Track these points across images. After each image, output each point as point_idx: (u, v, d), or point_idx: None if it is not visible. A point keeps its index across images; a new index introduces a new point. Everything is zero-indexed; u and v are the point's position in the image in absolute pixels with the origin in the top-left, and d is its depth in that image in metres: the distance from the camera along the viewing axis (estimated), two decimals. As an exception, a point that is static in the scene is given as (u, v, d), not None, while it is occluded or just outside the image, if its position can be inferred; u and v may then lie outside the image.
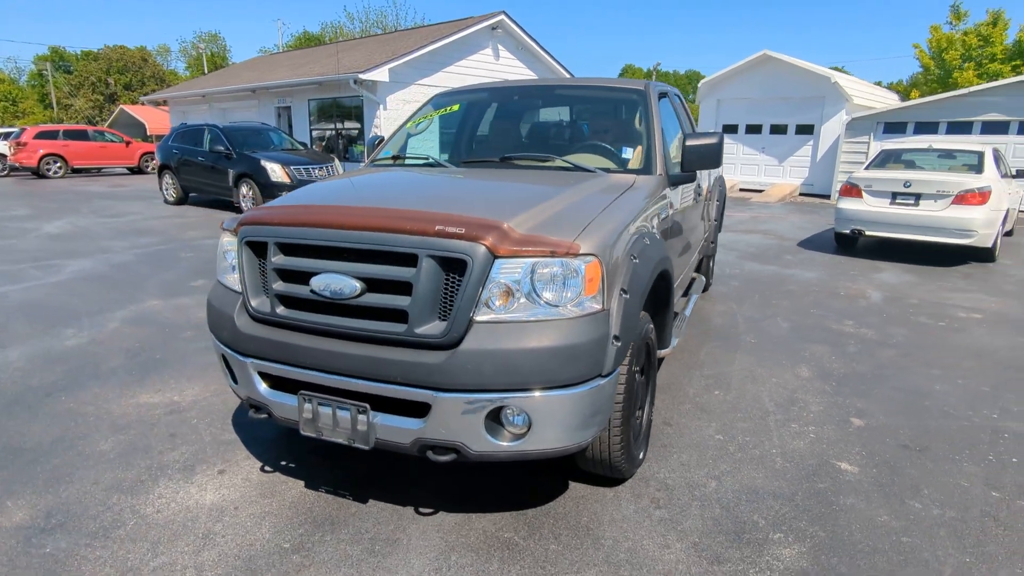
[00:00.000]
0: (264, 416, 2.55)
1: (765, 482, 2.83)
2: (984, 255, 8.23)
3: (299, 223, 2.39)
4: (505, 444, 2.19)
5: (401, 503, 2.65)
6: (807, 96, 15.14)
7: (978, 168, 8.38)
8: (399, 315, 2.20)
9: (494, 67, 16.99)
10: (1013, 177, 9.41)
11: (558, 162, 3.24)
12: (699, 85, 16.88)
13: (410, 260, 2.18)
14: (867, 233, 8.42)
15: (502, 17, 16.18)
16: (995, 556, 2.35)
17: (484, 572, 2.23)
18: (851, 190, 8.55)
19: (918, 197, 7.97)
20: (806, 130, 15.42)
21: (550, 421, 2.17)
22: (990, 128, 14.62)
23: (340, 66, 14.81)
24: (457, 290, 2.15)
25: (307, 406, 2.35)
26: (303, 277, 2.36)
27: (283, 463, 2.97)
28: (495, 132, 3.80)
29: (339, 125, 16.24)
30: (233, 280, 2.65)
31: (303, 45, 44.73)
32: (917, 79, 22.48)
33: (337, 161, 11.91)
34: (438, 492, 2.72)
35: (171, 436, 3.21)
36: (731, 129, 16.85)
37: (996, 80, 19.19)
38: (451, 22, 16.95)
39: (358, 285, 2.22)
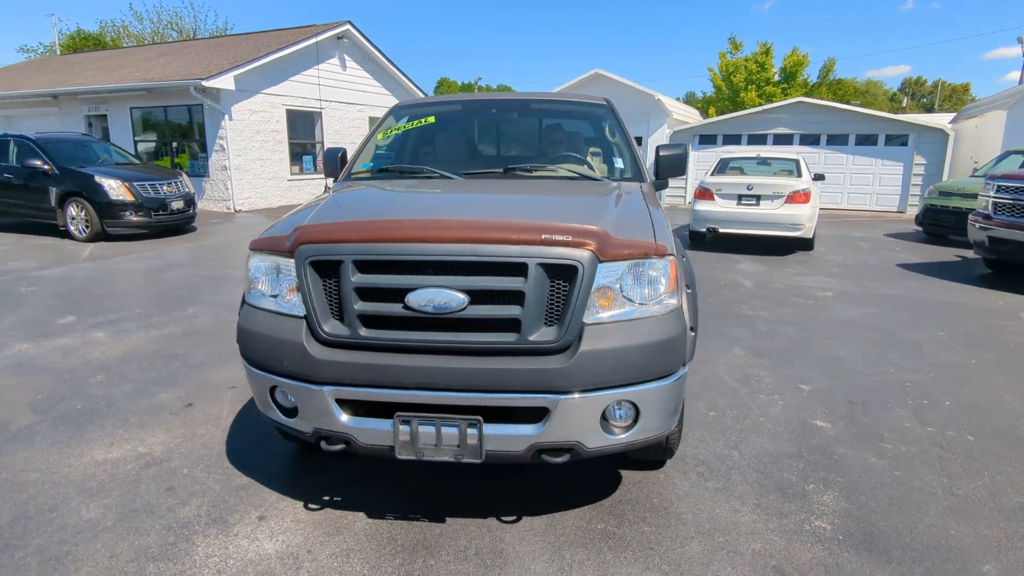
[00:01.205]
0: (339, 448, 2.38)
1: (772, 445, 3.26)
2: (807, 245, 9.90)
3: (385, 239, 2.29)
4: (616, 437, 2.31)
5: (479, 515, 2.63)
6: (635, 111, 16.87)
7: (797, 173, 10.08)
8: (510, 324, 2.22)
9: (341, 77, 16.45)
10: (814, 180, 11.45)
11: (562, 171, 3.41)
12: None
13: (519, 269, 2.22)
14: (720, 230, 9.69)
15: (348, 27, 15.72)
16: (958, 475, 2.98)
17: (603, 563, 2.33)
18: (704, 193, 9.78)
19: (759, 198, 9.38)
20: (636, 141, 17.17)
21: (653, 411, 2.34)
22: (779, 139, 17.49)
23: (171, 71, 13.30)
24: (566, 295, 2.23)
25: (404, 428, 2.25)
26: (392, 295, 2.27)
27: (325, 498, 2.76)
28: (483, 144, 3.84)
29: (177, 137, 14.58)
30: (281, 303, 2.43)
31: (82, 45, 39.03)
32: (712, 97, 26.19)
33: (185, 176, 10.74)
34: (501, 500, 2.74)
35: (169, 491, 2.81)
36: None
37: (772, 99, 22.99)
38: (292, 29, 16.05)
39: (464, 298, 2.20)
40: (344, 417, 2.32)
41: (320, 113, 16.09)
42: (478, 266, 2.23)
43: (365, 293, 2.29)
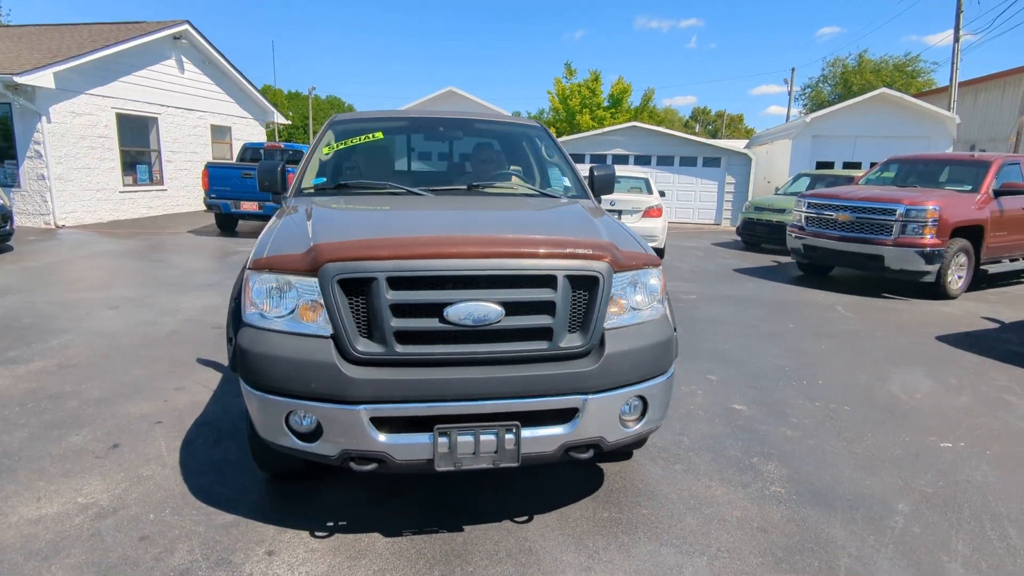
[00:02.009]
0: (369, 468, 2.35)
1: (710, 428, 3.74)
2: (660, 254, 11.06)
3: (420, 255, 2.33)
4: (630, 430, 2.57)
5: (492, 520, 2.73)
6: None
7: (648, 190, 11.25)
8: (543, 333, 2.39)
9: (180, 81, 14.98)
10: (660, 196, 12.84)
11: (520, 189, 3.62)
12: None
13: (549, 281, 2.39)
14: (588, 243, 10.47)
15: (186, 27, 14.35)
16: (852, 438, 3.68)
17: (623, 545, 2.57)
18: (572, 209, 10.53)
19: (620, 213, 10.31)
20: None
21: (657, 404, 2.63)
22: (617, 159, 19.21)
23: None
24: (588, 304, 2.45)
25: (443, 440, 2.31)
26: (428, 310, 2.32)
27: (329, 524, 2.67)
28: (436, 161, 3.89)
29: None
30: (296, 324, 2.35)
31: None
32: (551, 118, 27.92)
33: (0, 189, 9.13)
34: (504, 504, 2.87)
35: (144, 539, 2.53)
36: None
37: (603, 122, 25.12)
38: (120, 24, 14.21)
39: (500, 310, 2.33)
40: (381, 436, 2.31)
41: (156, 119, 14.51)
42: (512, 279, 2.37)
43: (399, 309, 2.31)
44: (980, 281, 8.75)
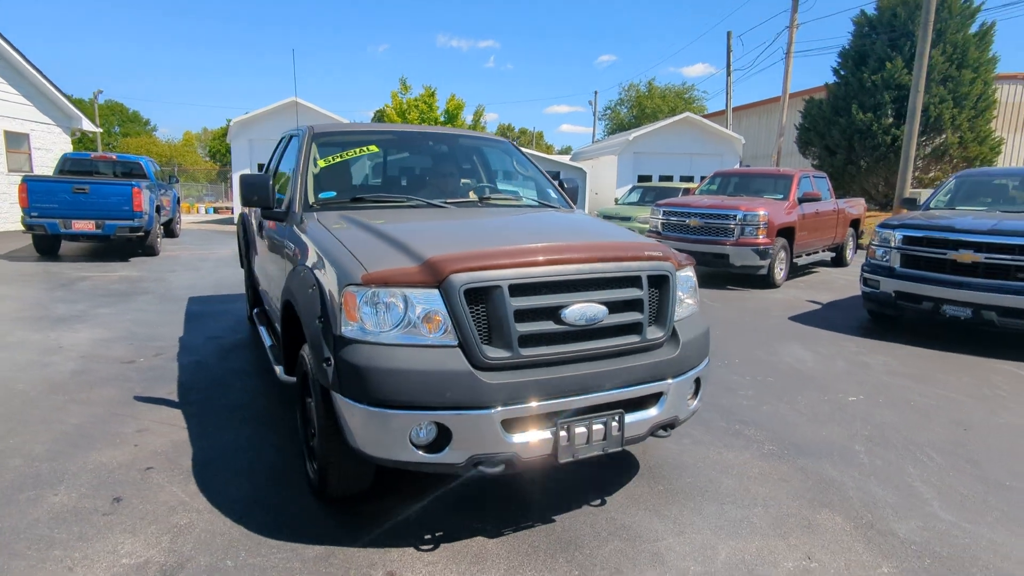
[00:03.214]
0: (498, 469, 2.43)
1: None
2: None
3: (536, 263, 2.49)
4: (691, 407, 2.95)
5: (570, 509, 2.93)
6: (340, 141, 16.97)
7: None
8: (635, 328, 2.68)
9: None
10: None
11: (526, 200, 3.84)
12: (231, 124, 16.51)
13: (636, 281, 2.69)
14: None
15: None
16: (792, 400, 4.47)
17: (694, 509, 2.94)
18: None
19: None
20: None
21: (703, 383, 3.06)
22: (462, 172, 19.73)
23: None
24: (661, 299, 2.80)
25: (563, 433, 2.49)
26: (546, 314, 2.48)
27: (427, 536, 2.66)
28: (435, 175, 3.91)
29: None
30: (417, 335, 2.37)
31: None
32: None
33: None
34: (565, 493, 3.09)
35: (242, 586, 2.32)
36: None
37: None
38: None
39: (605, 309, 2.58)
40: (513, 436, 2.41)
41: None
42: (611, 281, 2.64)
43: (521, 315, 2.44)
44: (792, 272, 10.71)
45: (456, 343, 2.39)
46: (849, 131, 21.21)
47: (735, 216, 9.51)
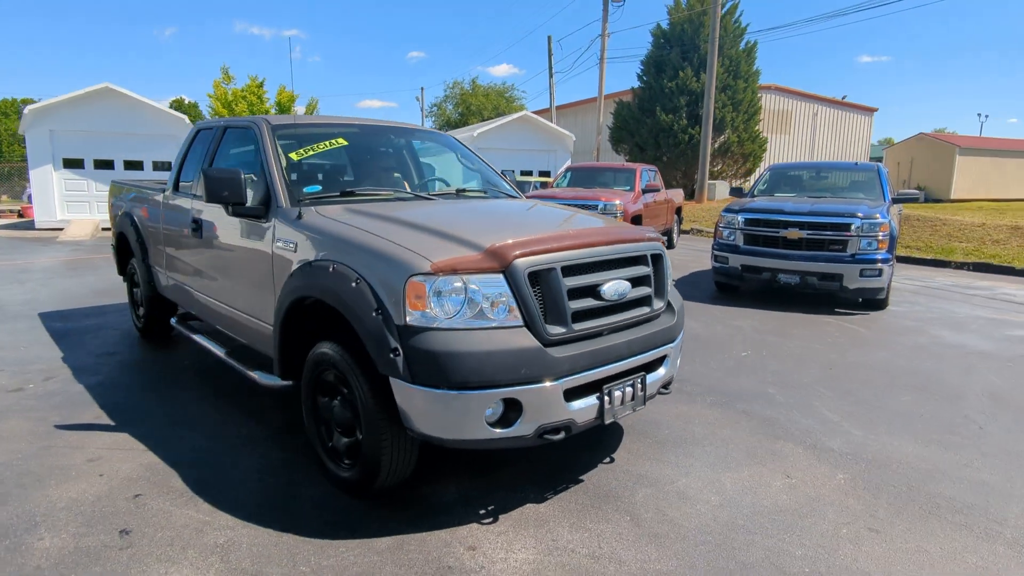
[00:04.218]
0: (560, 436, 2.65)
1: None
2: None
3: (579, 246, 2.75)
4: (677, 366, 3.42)
5: (586, 470, 3.24)
6: (159, 133, 15.03)
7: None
8: (647, 300, 3.07)
9: None
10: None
11: (492, 192, 4.03)
12: (24, 112, 13.74)
13: (643, 260, 3.07)
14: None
15: None
16: (711, 359, 5.21)
17: (721, 458, 3.42)
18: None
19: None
20: (164, 166, 15.29)
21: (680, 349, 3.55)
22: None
23: None
24: (659, 274, 3.21)
25: (606, 397, 2.79)
26: (588, 291, 2.76)
27: (480, 511, 2.80)
28: (403, 167, 3.85)
29: None
30: (482, 318, 2.51)
31: None
32: None
33: None
34: (578, 459, 3.40)
35: (334, 585, 2.28)
36: (76, 164, 14.64)
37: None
38: None
39: (629, 284, 2.93)
40: (572, 404, 2.66)
41: None
42: (629, 260, 3.00)
43: (572, 293, 2.70)
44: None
45: (521, 323, 2.56)
46: (655, 130, 23.98)
47: (597, 206, 10.41)
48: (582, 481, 3.11)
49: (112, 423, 3.67)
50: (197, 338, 4.17)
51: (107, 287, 7.86)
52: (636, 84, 25.64)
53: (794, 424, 3.87)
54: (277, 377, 3.27)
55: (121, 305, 6.80)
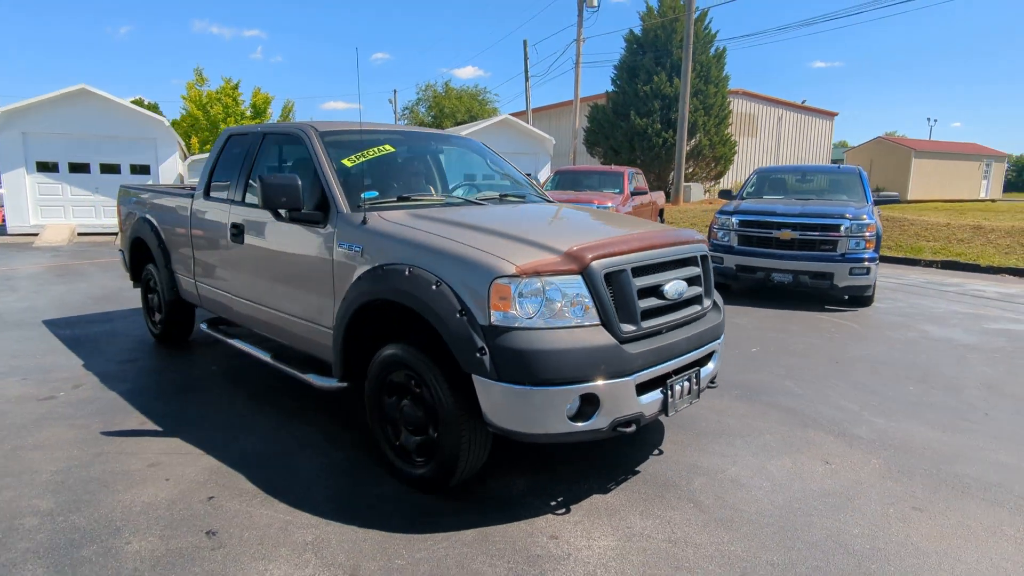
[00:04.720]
0: (629, 430, 2.79)
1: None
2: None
3: (645, 248, 2.90)
4: (719, 363, 3.60)
5: (639, 462, 3.38)
6: (137, 136, 14.66)
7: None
8: (699, 299, 3.23)
9: None
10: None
11: (531, 196, 4.15)
12: None
13: (694, 261, 3.24)
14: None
15: None
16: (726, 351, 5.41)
17: (762, 447, 3.59)
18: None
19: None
20: (142, 170, 14.93)
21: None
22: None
23: None
24: (706, 274, 3.38)
25: (669, 391, 2.94)
26: (652, 291, 2.90)
27: (552, 503, 2.91)
28: (444, 173, 3.94)
29: None
30: (562, 318, 2.63)
31: None
32: (187, 126, 24.02)
33: None
34: (628, 455, 3.55)
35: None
36: (51, 168, 14.17)
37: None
38: None
39: (686, 284, 3.08)
40: (642, 398, 2.80)
41: None
42: (685, 261, 3.16)
43: (640, 293, 2.84)
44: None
45: (598, 322, 2.69)
46: (630, 134, 24.39)
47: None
48: (639, 472, 3.25)
49: (159, 428, 3.67)
50: (234, 342, 4.17)
51: (105, 294, 7.70)
52: (610, 88, 26.04)
53: (819, 414, 4.08)
54: (334, 379, 3.33)
55: (125, 312, 6.69)
